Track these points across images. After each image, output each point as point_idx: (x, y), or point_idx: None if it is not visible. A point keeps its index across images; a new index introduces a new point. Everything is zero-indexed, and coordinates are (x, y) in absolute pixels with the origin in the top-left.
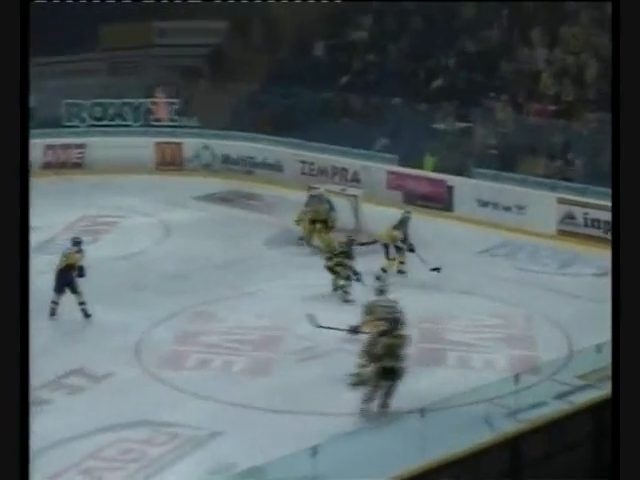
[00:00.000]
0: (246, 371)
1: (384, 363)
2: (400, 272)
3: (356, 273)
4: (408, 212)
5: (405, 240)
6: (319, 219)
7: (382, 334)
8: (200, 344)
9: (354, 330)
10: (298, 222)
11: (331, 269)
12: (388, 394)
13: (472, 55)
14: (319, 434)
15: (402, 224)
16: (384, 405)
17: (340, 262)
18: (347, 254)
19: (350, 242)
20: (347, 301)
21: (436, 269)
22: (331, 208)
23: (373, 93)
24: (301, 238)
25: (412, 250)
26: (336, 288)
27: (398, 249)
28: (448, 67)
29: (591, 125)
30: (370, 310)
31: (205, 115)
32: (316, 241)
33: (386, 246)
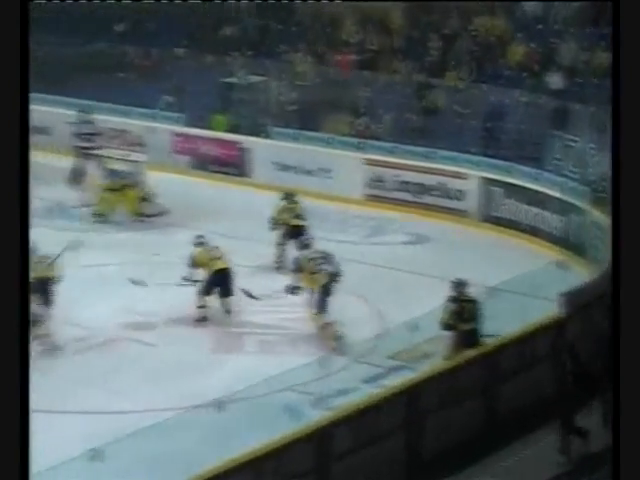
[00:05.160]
0: None
1: None
2: None
3: None
4: None
5: None
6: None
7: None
8: None
9: (292, 289)
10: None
11: None
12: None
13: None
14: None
15: None
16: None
17: None
18: None
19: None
20: None
21: None
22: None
23: (154, 43)
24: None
25: None
26: None
27: None
28: (238, 12)
29: (399, 77)
30: (301, 266)
31: None
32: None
33: None
